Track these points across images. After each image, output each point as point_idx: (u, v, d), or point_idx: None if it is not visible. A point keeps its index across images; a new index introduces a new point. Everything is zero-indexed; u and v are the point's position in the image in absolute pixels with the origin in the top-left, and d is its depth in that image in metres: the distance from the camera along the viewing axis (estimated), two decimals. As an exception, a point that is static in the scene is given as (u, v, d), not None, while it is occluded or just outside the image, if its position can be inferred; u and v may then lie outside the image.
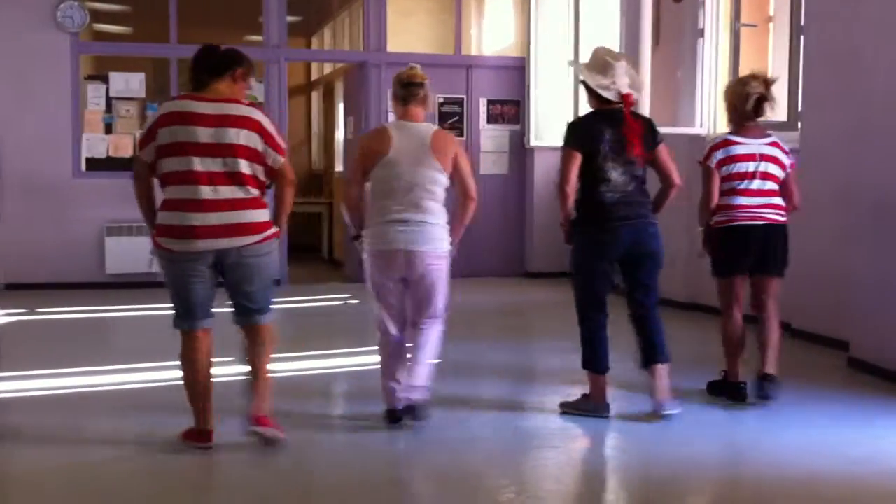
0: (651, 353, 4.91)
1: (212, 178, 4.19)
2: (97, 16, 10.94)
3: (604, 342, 4.92)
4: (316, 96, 14.98)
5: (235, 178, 4.22)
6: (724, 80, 7.99)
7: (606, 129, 4.83)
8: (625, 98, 4.85)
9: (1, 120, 9.31)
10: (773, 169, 5.17)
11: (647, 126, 4.98)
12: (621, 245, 4.83)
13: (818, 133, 6.77)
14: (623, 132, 4.82)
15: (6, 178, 9.31)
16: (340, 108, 12.71)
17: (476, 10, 11.41)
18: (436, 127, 4.94)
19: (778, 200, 5.20)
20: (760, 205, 5.14)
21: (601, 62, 4.92)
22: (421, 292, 4.73)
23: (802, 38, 7.07)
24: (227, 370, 5.70)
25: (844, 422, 4.94)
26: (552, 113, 10.44)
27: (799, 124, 7.10)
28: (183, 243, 4.21)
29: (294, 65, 13.27)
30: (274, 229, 4.36)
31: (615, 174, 4.82)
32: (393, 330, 4.79)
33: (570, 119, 5.12)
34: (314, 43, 14.54)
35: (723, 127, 5.40)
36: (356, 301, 8.79)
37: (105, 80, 9.71)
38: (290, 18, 10.41)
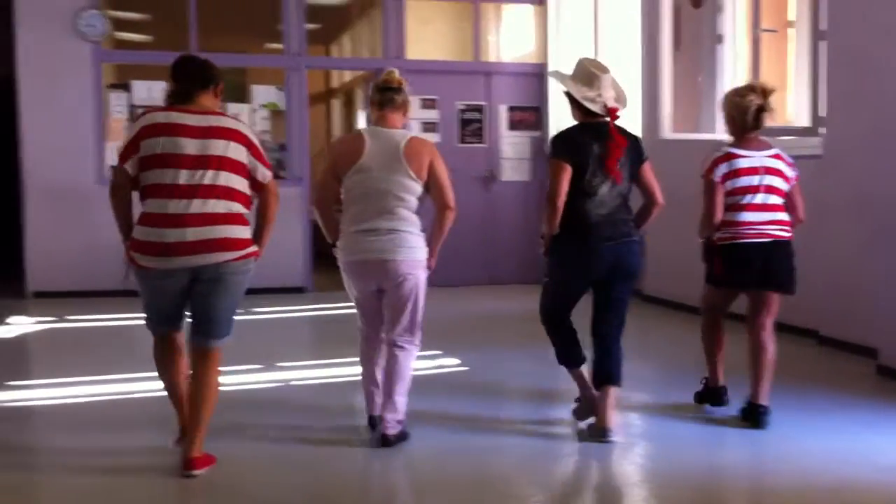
0: (605, 375, 4.75)
1: (195, 192, 4.06)
2: (118, 24, 11.02)
3: (573, 335, 4.86)
4: (336, 104, 15.05)
5: (220, 192, 4.10)
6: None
7: (593, 142, 4.67)
8: (610, 111, 4.72)
9: (25, 128, 9.40)
10: (777, 182, 4.97)
11: (633, 143, 4.78)
12: (604, 265, 4.68)
13: (841, 138, 6.74)
14: (609, 147, 4.67)
15: (31, 187, 9.41)
16: (361, 116, 12.77)
17: (494, 18, 11.43)
18: (411, 133, 4.79)
19: (783, 216, 4.99)
20: (765, 221, 4.93)
21: (587, 74, 4.76)
22: (395, 303, 4.59)
23: (823, 43, 7.06)
24: (229, 379, 5.75)
25: (873, 429, 4.92)
26: (572, 119, 10.44)
27: (821, 130, 7.08)
28: (158, 261, 4.09)
29: (314, 72, 13.31)
30: (253, 248, 4.22)
31: (603, 189, 4.66)
32: (371, 340, 4.78)
33: (558, 131, 5.01)
34: (333, 51, 14.61)
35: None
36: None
37: (127, 88, 9.81)
38: (309, 26, 10.47)
